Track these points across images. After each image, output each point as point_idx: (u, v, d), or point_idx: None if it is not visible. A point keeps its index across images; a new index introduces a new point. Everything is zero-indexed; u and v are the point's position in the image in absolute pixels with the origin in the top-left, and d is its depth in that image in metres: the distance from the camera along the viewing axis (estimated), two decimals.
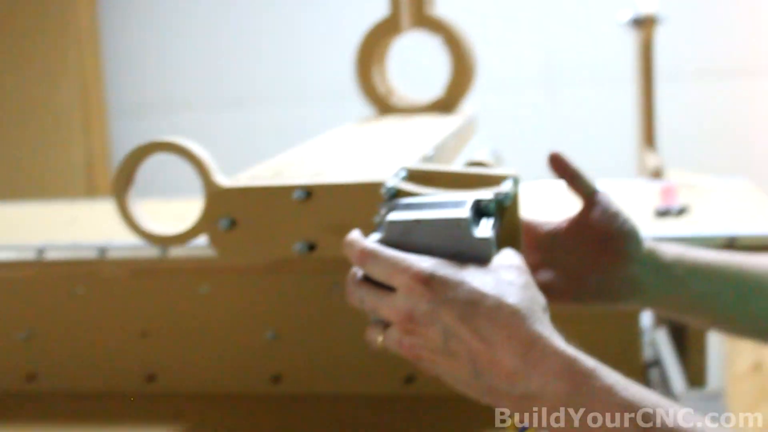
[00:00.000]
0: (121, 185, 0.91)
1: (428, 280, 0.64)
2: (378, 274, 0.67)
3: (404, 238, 0.68)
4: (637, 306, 0.92)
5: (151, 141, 0.91)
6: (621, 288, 0.87)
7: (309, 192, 0.84)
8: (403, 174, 0.82)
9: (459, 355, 0.65)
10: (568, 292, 0.88)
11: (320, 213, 0.83)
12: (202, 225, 0.88)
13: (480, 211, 0.73)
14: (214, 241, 0.87)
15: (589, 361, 0.63)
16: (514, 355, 0.63)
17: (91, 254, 1.17)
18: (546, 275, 0.89)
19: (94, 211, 1.56)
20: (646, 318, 1.18)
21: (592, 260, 0.87)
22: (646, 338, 1.14)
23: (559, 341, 0.64)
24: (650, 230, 1.10)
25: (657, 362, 1.13)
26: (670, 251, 0.88)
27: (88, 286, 1.17)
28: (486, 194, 0.74)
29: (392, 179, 0.79)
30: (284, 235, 0.86)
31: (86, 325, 1.18)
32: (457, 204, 0.71)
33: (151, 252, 1.16)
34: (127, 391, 1.17)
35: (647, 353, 1.12)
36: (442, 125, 1.20)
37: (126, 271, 1.16)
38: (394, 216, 0.69)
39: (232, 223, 0.86)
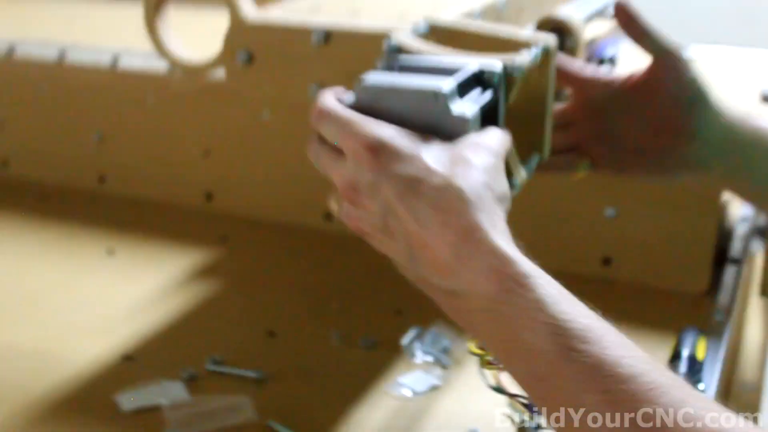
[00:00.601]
0: (150, 8, 0.89)
1: (377, 149, 0.59)
2: (331, 136, 0.62)
3: (377, 104, 0.62)
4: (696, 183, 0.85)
5: None
6: (679, 167, 0.80)
7: (328, 36, 0.81)
8: (423, 29, 0.77)
9: (396, 235, 0.59)
10: (616, 164, 0.82)
11: (338, 58, 0.80)
12: (222, 56, 0.87)
13: (482, 82, 0.67)
14: (230, 73, 0.87)
15: (526, 266, 0.55)
16: (446, 245, 0.56)
17: (161, 66, 1.16)
18: (592, 143, 0.82)
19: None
20: (746, 210, 1.08)
21: (652, 135, 0.80)
22: (739, 232, 1.05)
23: (500, 237, 0.56)
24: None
25: (738, 261, 1.03)
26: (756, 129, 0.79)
27: (158, 98, 1.18)
28: (492, 63, 0.67)
29: (401, 34, 0.74)
30: (300, 75, 0.84)
31: (153, 136, 1.20)
32: (451, 71, 0.65)
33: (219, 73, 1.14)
34: (184, 205, 1.20)
35: (734, 248, 1.04)
36: None
37: (193, 89, 1.15)
38: (371, 79, 0.63)
39: (250, 58, 0.85)
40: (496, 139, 0.62)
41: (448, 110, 0.61)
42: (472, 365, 0.77)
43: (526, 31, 0.76)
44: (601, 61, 1.11)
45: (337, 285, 1.01)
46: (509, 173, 0.69)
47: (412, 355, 0.87)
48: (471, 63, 0.66)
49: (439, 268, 0.57)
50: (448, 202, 0.56)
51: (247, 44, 0.85)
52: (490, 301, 0.55)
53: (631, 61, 1.11)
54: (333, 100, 0.63)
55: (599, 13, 1.16)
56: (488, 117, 0.65)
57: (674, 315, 0.93)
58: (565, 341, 0.52)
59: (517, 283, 0.54)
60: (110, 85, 1.20)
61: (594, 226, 1.02)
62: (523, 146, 0.73)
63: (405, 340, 0.88)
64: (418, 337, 0.89)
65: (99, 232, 1.15)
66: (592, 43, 1.16)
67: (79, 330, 0.93)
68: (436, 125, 0.61)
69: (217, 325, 0.94)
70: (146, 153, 1.21)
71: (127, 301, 0.98)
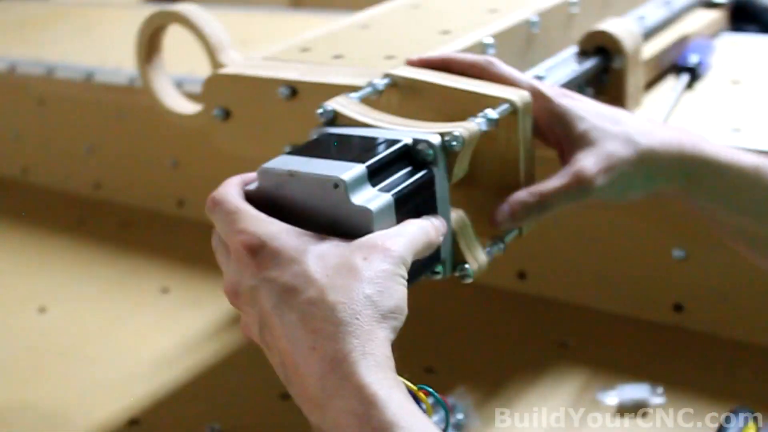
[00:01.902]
0: (141, 57, 0.87)
1: (256, 250, 0.52)
2: (220, 230, 0.56)
3: (280, 192, 0.56)
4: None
5: (159, 11, 0.84)
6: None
7: (293, 89, 0.75)
8: (385, 82, 0.69)
9: (272, 350, 0.53)
10: None
11: (305, 114, 0.71)
12: (204, 111, 0.83)
13: (415, 158, 0.59)
14: (212, 128, 0.81)
15: (394, 412, 0.47)
16: (313, 374, 0.49)
17: None
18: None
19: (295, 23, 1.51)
20: None
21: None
22: None
23: (372, 371, 0.48)
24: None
25: None
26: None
27: None
28: (427, 136, 0.59)
29: (339, 99, 0.65)
30: (273, 132, 0.78)
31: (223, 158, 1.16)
32: (377, 148, 0.58)
33: None
34: None
35: None
36: None
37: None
38: (272, 163, 0.57)
39: (226, 113, 0.80)
40: (403, 239, 0.54)
41: (348, 201, 0.53)
42: None
43: (496, 86, 0.67)
44: (681, 70, 0.97)
45: None
46: (460, 258, 0.62)
47: None
48: (404, 136, 0.59)
49: (307, 398, 0.50)
50: (319, 321, 0.49)
51: (224, 98, 0.80)
52: None
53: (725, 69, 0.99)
54: (231, 188, 0.57)
55: (669, 21, 1.01)
56: (422, 200, 0.58)
57: (746, 371, 0.84)
58: None
59: None
60: None
61: (662, 268, 0.91)
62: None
63: None
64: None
65: (163, 263, 1.14)
66: (683, 40, 1.02)
67: (96, 386, 0.91)
68: (338, 218, 0.54)
69: (232, 385, 0.90)
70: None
71: (154, 354, 0.96)
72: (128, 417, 0.86)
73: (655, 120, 0.70)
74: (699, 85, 0.97)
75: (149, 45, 0.86)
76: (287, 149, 0.64)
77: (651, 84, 0.95)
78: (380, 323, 0.50)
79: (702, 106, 0.93)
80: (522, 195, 0.65)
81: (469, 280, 0.62)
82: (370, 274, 0.51)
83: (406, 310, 0.51)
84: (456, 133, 0.59)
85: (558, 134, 0.67)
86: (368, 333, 0.49)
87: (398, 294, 0.51)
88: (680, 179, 0.68)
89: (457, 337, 0.94)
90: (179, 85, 1.06)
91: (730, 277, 0.88)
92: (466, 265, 0.62)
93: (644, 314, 0.92)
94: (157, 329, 1.01)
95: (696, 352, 0.88)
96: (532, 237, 0.70)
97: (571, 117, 0.67)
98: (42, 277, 1.15)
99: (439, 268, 0.61)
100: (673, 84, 0.96)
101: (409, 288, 0.52)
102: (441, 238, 0.57)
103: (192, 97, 0.90)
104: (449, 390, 0.82)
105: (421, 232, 0.55)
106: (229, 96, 0.80)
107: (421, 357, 0.89)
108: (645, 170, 0.66)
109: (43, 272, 1.16)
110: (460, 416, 0.80)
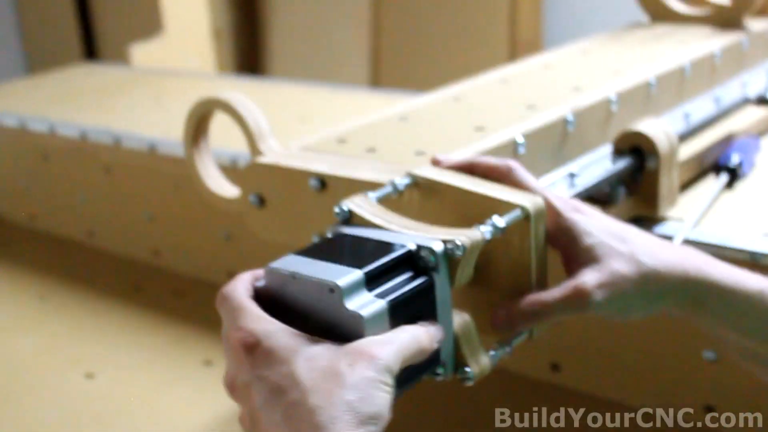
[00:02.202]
0: (188, 141, 0.89)
1: (251, 347, 0.55)
2: (224, 324, 0.59)
3: (283, 290, 0.59)
4: None
5: (206, 98, 0.87)
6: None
7: (323, 181, 0.78)
8: (406, 181, 0.71)
9: None
10: None
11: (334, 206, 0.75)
12: (242, 196, 0.85)
13: (417, 263, 0.60)
14: (248, 213, 0.84)
15: None
16: None
17: None
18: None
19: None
20: None
21: None
22: None
23: None
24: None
25: None
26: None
27: None
28: (431, 242, 0.60)
29: (357, 199, 0.67)
30: (304, 221, 0.80)
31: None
32: (382, 251, 0.60)
33: None
34: None
35: None
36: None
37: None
38: (278, 263, 0.59)
39: (261, 201, 0.83)
40: (391, 346, 0.55)
41: (342, 306, 0.56)
42: None
43: (512, 191, 0.68)
44: (721, 170, 0.97)
45: None
46: (462, 361, 0.63)
47: None
48: (409, 242, 0.60)
49: None
50: (299, 423, 0.52)
51: (260, 186, 0.82)
52: None
53: None
54: (240, 284, 0.60)
55: (717, 118, 1.01)
56: (420, 306, 0.59)
57: None
58: None
59: None
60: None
61: (692, 369, 0.90)
62: None
63: None
64: None
65: (209, 334, 1.15)
66: (728, 139, 1.01)
67: None
68: (334, 321, 0.56)
69: None
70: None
71: (190, 428, 0.97)
72: None
73: (664, 241, 0.69)
74: (740, 185, 0.97)
75: (196, 129, 0.88)
76: (315, 239, 0.66)
77: (691, 182, 0.95)
78: (357, 428, 0.52)
79: (739, 207, 0.92)
80: (522, 303, 0.66)
81: (470, 383, 0.63)
82: (353, 381, 0.52)
83: (387, 416, 0.53)
84: (458, 242, 0.60)
85: (565, 246, 0.68)
86: None
87: (380, 401, 0.53)
88: (684, 302, 0.67)
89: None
90: (234, 161, 1.11)
91: (762, 383, 0.81)
92: (467, 369, 0.62)
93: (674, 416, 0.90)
94: (196, 402, 1.02)
95: None
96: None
97: (578, 232, 0.67)
98: (93, 341, 1.18)
99: (440, 370, 0.62)
100: (713, 184, 0.95)
101: (406, 391, 0.54)
102: (435, 345, 0.58)
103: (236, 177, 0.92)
104: None
105: (412, 339, 0.57)
106: (265, 184, 0.82)
107: None
108: (647, 291, 0.67)
109: (95, 336, 1.19)
110: None
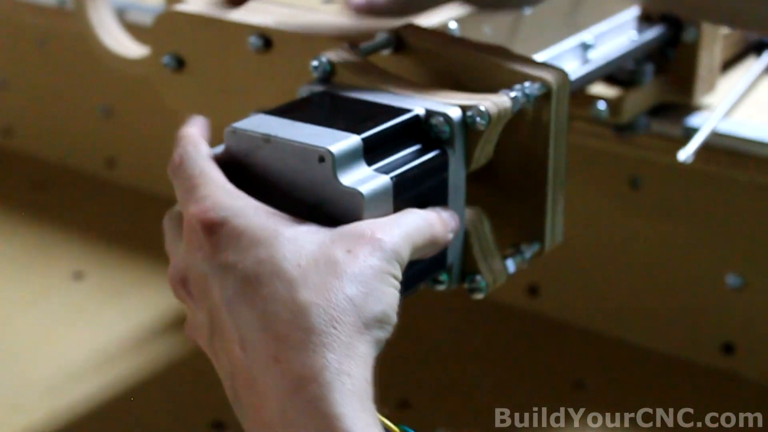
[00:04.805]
0: None
1: (215, 227, 0.45)
2: (178, 196, 0.49)
3: (250, 158, 0.49)
4: None
5: None
6: None
7: (267, 39, 0.64)
8: (385, 39, 0.59)
9: (221, 360, 0.46)
10: None
11: (281, 72, 0.64)
12: (152, 56, 0.70)
13: (427, 134, 0.52)
14: (159, 79, 0.69)
15: None
16: (272, 394, 0.43)
17: None
18: None
19: None
20: None
21: None
22: None
23: (346, 397, 0.42)
24: None
25: None
26: None
27: None
28: (445, 108, 0.51)
29: (340, 51, 0.56)
30: (238, 92, 0.67)
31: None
32: (379, 116, 0.51)
33: None
34: None
35: None
36: None
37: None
38: (246, 122, 0.49)
39: (179, 62, 0.68)
40: (399, 230, 0.47)
41: (335, 180, 0.47)
42: None
43: (528, 60, 0.58)
44: (764, 48, 0.86)
45: None
46: (472, 267, 0.55)
47: None
48: (416, 105, 0.52)
49: (261, 424, 0.44)
50: (285, 325, 0.43)
51: (179, 43, 0.67)
52: None
53: None
54: (201, 145, 0.49)
55: None
56: (430, 187, 0.52)
57: None
58: None
59: None
60: None
61: (711, 298, 0.80)
62: (515, 228, 0.59)
63: None
64: None
65: (80, 239, 0.99)
66: None
67: None
68: (321, 200, 0.48)
69: (155, 408, 0.78)
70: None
71: (59, 363, 0.82)
72: None
73: None
74: None
75: None
76: (253, 115, 0.54)
77: (730, 63, 0.84)
78: (362, 334, 0.44)
79: None
80: None
81: (480, 296, 0.55)
82: (353, 270, 0.45)
83: (395, 320, 0.46)
84: (482, 108, 0.51)
85: None
86: (347, 347, 0.44)
87: (387, 298, 0.45)
88: None
89: (443, 363, 0.84)
90: (122, 13, 0.93)
91: None
92: (478, 277, 0.55)
93: (688, 354, 0.81)
94: (66, 327, 0.87)
95: (748, 406, 0.74)
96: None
97: None
98: None
99: (443, 277, 0.54)
100: (753, 66, 0.83)
101: (404, 298, 0.47)
102: (450, 236, 0.50)
103: (139, 32, 0.76)
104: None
105: (424, 224, 0.49)
106: (185, 41, 0.67)
107: (396, 386, 0.79)
108: None
109: None
110: None
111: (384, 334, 0.45)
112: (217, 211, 0.46)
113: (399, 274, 0.46)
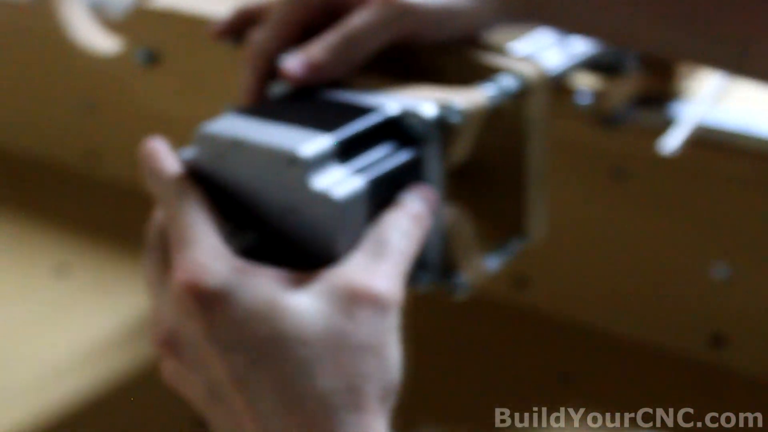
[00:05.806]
0: None
1: (206, 301, 0.42)
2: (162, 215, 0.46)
3: (219, 164, 0.47)
4: None
5: None
6: None
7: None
8: None
9: (221, 422, 0.45)
10: None
11: None
12: (124, 52, 0.71)
13: (403, 132, 0.50)
14: (131, 75, 0.70)
15: None
16: None
17: None
18: None
19: None
20: None
21: None
22: None
23: None
24: None
25: None
26: None
27: None
28: (421, 105, 0.50)
29: None
30: (213, 87, 0.66)
31: None
32: (347, 116, 0.49)
33: None
34: None
35: None
36: None
37: None
38: (216, 125, 0.47)
39: (152, 57, 0.68)
40: (390, 266, 0.44)
41: (305, 185, 0.45)
42: None
43: (505, 52, 0.57)
44: None
45: None
46: (451, 264, 0.54)
47: None
48: (391, 103, 0.50)
49: None
50: (311, 415, 0.42)
51: (152, 38, 0.68)
52: None
53: None
54: (183, 156, 0.47)
55: None
56: (408, 186, 0.50)
57: None
58: None
59: None
60: None
61: (698, 289, 0.79)
62: (497, 222, 0.58)
63: None
64: None
65: (62, 234, 0.97)
66: None
67: None
68: (295, 203, 0.46)
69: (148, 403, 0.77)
70: None
71: (41, 361, 0.80)
72: None
73: None
74: None
75: None
76: (229, 110, 0.52)
77: None
78: (381, 409, 0.43)
79: None
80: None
81: (461, 295, 0.54)
82: (360, 341, 0.43)
83: (399, 381, 0.45)
84: (457, 103, 0.50)
85: None
86: (369, 427, 0.42)
87: (394, 360, 0.44)
88: None
89: (427, 360, 0.80)
90: (99, 7, 0.90)
91: None
92: (460, 275, 0.54)
93: (676, 346, 0.80)
94: (48, 325, 0.86)
95: (737, 399, 0.76)
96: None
97: None
98: None
99: (422, 275, 0.52)
100: None
101: None
102: (431, 216, 0.48)
103: (114, 28, 0.75)
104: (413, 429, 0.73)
105: (409, 242, 0.46)
106: (158, 36, 0.67)
107: None
108: None
109: None
110: None
111: (394, 400, 0.45)
112: (208, 280, 0.43)
113: (398, 319, 0.45)
